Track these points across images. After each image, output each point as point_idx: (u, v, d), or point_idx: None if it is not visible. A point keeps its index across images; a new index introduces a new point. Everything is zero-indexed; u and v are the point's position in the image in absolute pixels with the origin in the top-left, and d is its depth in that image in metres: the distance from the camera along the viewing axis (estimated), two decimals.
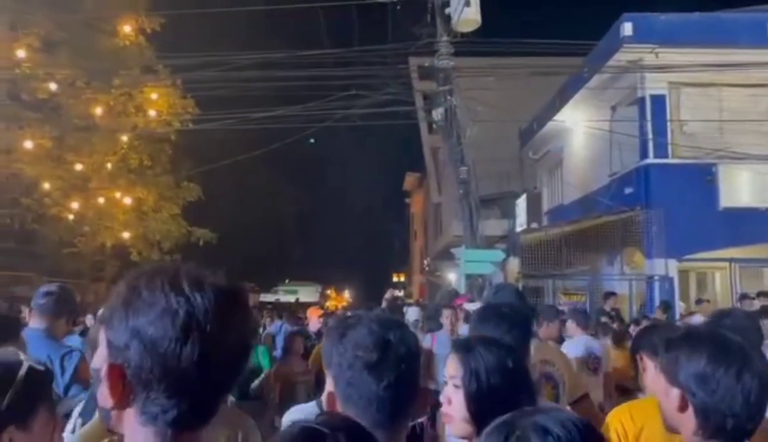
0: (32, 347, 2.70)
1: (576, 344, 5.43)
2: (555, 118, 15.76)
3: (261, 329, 9.63)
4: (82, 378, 2.98)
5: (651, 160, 12.37)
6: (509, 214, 17.98)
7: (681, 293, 12.15)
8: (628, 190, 12.90)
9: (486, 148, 13.50)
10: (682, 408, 1.53)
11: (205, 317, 0.91)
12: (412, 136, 29.41)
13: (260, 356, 6.66)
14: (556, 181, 18.08)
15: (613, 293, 10.98)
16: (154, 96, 16.47)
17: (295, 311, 14.02)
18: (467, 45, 12.52)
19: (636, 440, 2.34)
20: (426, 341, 7.47)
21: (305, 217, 47.11)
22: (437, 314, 7.56)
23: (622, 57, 12.36)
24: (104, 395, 0.93)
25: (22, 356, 1.42)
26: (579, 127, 15.15)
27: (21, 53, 14.45)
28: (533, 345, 3.01)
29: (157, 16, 16.25)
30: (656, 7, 12.91)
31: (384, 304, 8.55)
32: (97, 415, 1.88)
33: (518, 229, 15.93)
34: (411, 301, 22.35)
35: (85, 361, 2.92)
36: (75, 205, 15.84)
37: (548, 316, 5.09)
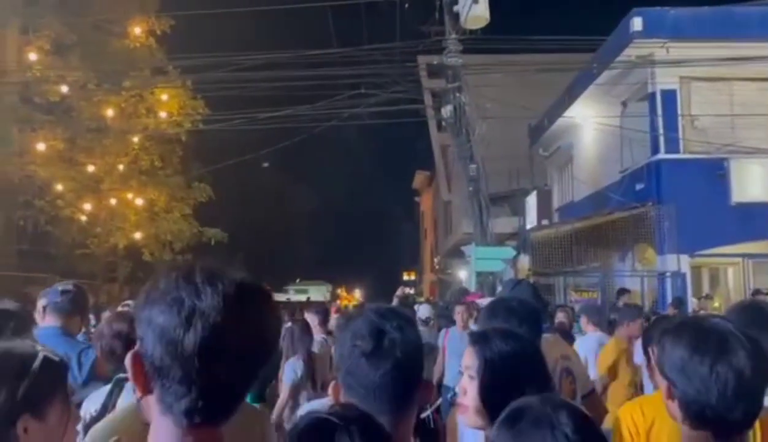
0: (49, 345, 2.73)
1: (589, 340, 5.42)
2: (565, 114, 15.69)
3: None
4: (99, 373, 3.02)
5: (662, 155, 12.30)
6: (519, 211, 17.93)
7: (693, 289, 12.07)
8: (639, 186, 12.83)
9: (495, 145, 13.47)
10: (670, 397, 1.54)
11: (212, 308, 0.93)
12: (421, 134, 29.42)
13: None
14: (567, 177, 18.00)
15: (627, 290, 10.93)
16: (164, 97, 16.59)
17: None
18: (475, 42, 12.52)
19: (647, 435, 2.34)
20: (440, 338, 7.50)
21: (315, 217, 47.23)
22: (448, 311, 7.58)
23: (631, 52, 12.29)
24: (132, 382, 0.98)
25: (38, 347, 1.45)
26: (589, 123, 15.08)
27: (32, 56, 14.62)
28: (550, 341, 3.01)
29: (167, 17, 16.35)
30: (666, 2, 12.79)
31: (395, 301, 8.56)
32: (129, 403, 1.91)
33: (529, 226, 15.88)
34: (422, 299, 22.35)
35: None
36: (87, 206, 15.98)
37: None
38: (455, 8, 11.96)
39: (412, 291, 30.08)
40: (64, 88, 14.95)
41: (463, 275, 22.17)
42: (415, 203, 44.35)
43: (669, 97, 12.40)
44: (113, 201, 16.49)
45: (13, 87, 14.59)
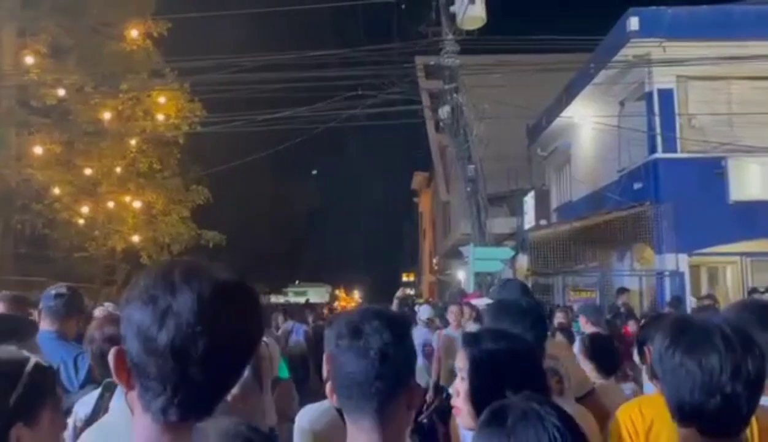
0: (45, 349, 2.72)
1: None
2: (562, 114, 15.71)
3: (275, 331, 9.56)
4: (96, 377, 3.01)
5: (660, 154, 12.31)
6: (517, 211, 17.94)
7: (692, 288, 12.06)
8: (637, 186, 12.84)
9: (493, 145, 13.49)
10: (661, 392, 1.53)
11: (186, 308, 0.94)
12: (419, 135, 29.41)
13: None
14: (565, 177, 18.01)
15: (626, 289, 10.95)
16: (161, 100, 16.56)
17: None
18: (473, 42, 12.55)
19: (646, 436, 2.32)
20: (434, 338, 7.49)
21: (314, 219, 47.21)
22: (445, 312, 7.57)
23: (628, 52, 12.30)
24: (115, 378, 1.00)
25: (27, 354, 1.44)
26: (587, 123, 15.09)
27: (29, 59, 14.58)
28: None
29: (164, 20, 16.33)
30: (663, 1, 12.81)
31: (395, 302, 8.57)
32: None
33: (527, 226, 15.89)
34: (421, 300, 22.35)
35: None
36: (85, 209, 15.94)
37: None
38: (452, 9, 12.00)
39: (412, 292, 30.10)
40: (61, 92, 14.91)
41: (461, 275, 22.17)
42: (413, 204, 44.39)
43: (666, 96, 12.41)
44: (111, 204, 16.45)
45: (10, 91, 14.55)
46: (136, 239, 16.93)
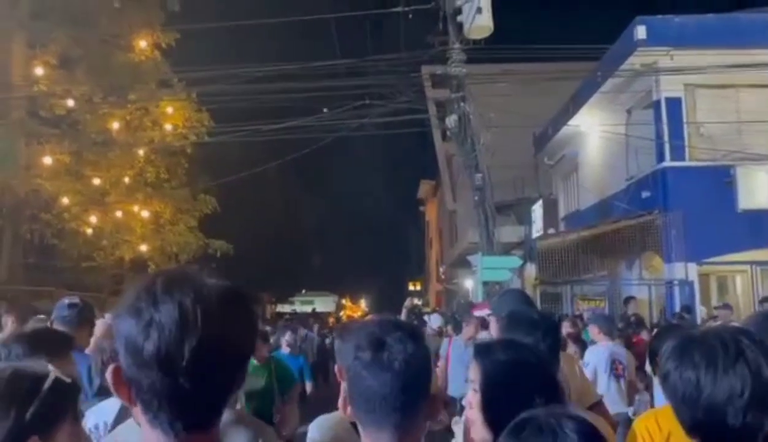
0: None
1: (600, 350, 5.36)
2: (569, 123, 15.70)
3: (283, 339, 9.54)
4: (108, 387, 3.00)
5: (668, 163, 12.27)
6: (525, 220, 17.90)
7: (701, 297, 12.00)
8: (645, 194, 12.79)
9: (500, 154, 13.48)
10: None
11: (169, 319, 0.93)
12: (426, 144, 29.47)
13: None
14: (572, 186, 17.97)
15: (633, 298, 10.89)
16: (169, 110, 16.65)
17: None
18: (479, 52, 12.55)
19: None
20: (442, 346, 7.46)
21: (321, 228, 47.27)
22: (457, 321, 7.55)
23: (636, 60, 12.30)
24: (116, 396, 1.00)
25: (49, 368, 1.44)
26: (594, 131, 15.07)
27: (39, 70, 14.70)
28: None
29: (172, 31, 16.43)
30: (670, 10, 12.82)
31: (404, 312, 8.54)
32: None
33: (535, 235, 15.84)
34: (428, 309, 22.29)
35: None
36: (93, 219, 16.00)
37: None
38: (459, 18, 12.01)
39: (419, 302, 30.01)
40: (71, 102, 15.01)
41: (469, 284, 22.10)
42: (419, 213, 44.36)
43: (674, 104, 12.39)
44: (119, 214, 16.51)
45: (20, 101, 14.65)
46: (144, 248, 16.98)
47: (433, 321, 8.23)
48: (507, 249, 13.59)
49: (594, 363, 5.03)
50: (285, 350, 7.13)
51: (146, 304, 0.95)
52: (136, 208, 16.68)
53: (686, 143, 12.28)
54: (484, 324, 7.96)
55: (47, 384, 1.38)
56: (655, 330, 7.77)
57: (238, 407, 3.96)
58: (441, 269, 33.34)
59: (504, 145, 13.71)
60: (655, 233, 12.22)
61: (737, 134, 12.28)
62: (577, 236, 13.49)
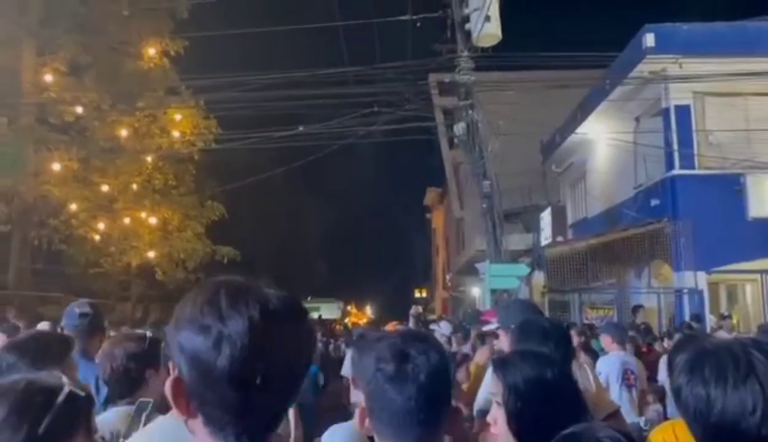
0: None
1: (612, 359, 5.31)
2: (577, 130, 15.66)
3: None
4: (116, 396, 2.98)
5: (677, 171, 12.21)
6: (532, 228, 17.85)
7: (711, 306, 11.91)
8: (654, 202, 12.73)
9: (508, 161, 13.46)
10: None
11: (238, 333, 0.93)
12: (432, 151, 29.46)
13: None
14: (580, 194, 17.93)
15: (641, 306, 10.83)
16: (177, 117, 16.72)
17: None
18: (487, 59, 12.55)
19: None
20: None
21: (327, 234, 47.32)
22: (466, 330, 7.51)
23: (644, 68, 12.26)
24: (174, 408, 0.99)
25: (64, 380, 1.42)
26: (602, 139, 15.03)
27: (48, 77, 14.81)
28: None
29: (181, 38, 16.53)
30: (678, 17, 12.79)
31: (412, 320, 8.52)
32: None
33: (543, 242, 15.79)
34: (434, 317, 22.21)
35: None
36: (101, 225, 16.08)
37: None
38: (467, 26, 12.02)
39: (420, 310, 29.93)
40: (79, 109, 15.11)
41: (476, 292, 22.05)
42: (426, 220, 44.33)
43: (683, 112, 12.34)
44: (127, 220, 16.57)
45: (29, 108, 14.75)
46: (151, 254, 17.03)
47: (444, 328, 8.17)
48: (514, 257, 13.54)
49: (606, 373, 4.99)
50: None
51: (212, 319, 0.94)
52: (143, 214, 16.74)
53: (695, 151, 12.22)
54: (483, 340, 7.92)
55: (61, 397, 1.36)
56: (665, 339, 7.74)
57: None
58: (447, 277, 33.28)
59: (512, 153, 13.69)
60: (664, 241, 12.16)
61: (746, 142, 12.22)
62: (586, 243, 13.43)
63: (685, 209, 11.89)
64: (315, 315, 30.47)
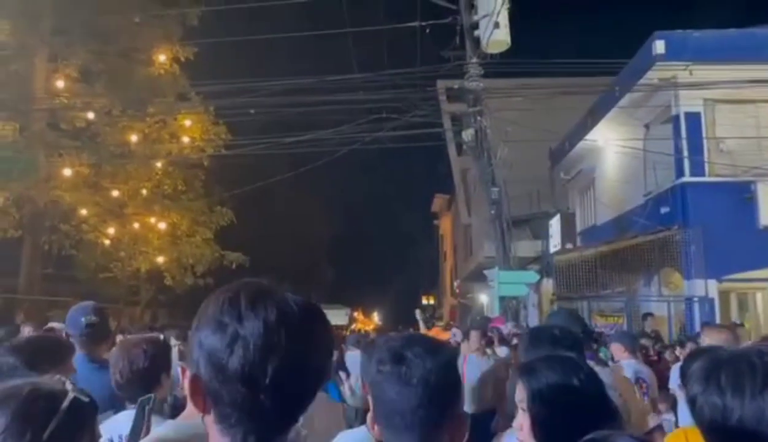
0: (78, 372, 2.71)
1: (623, 368, 5.27)
2: (586, 137, 15.61)
3: None
4: (122, 399, 2.98)
5: (687, 178, 12.14)
6: (541, 235, 17.78)
7: (722, 315, 11.81)
8: (664, 210, 12.66)
9: (516, 168, 13.43)
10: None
11: (253, 334, 0.94)
12: (440, 157, 29.44)
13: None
14: (589, 201, 17.85)
15: (651, 314, 10.75)
16: (187, 123, 16.82)
17: None
18: (496, 66, 12.56)
19: None
20: (458, 362, 7.39)
21: (334, 240, 47.33)
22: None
23: (654, 75, 12.22)
24: (191, 404, 1.02)
25: (68, 386, 1.41)
26: (611, 146, 14.97)
27: (60, 84, 14.95)
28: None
29: (191, 45, 16.63)
30: (688, 24, 12.74)
31: (421, 324, 8.50)
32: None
33: (552, 249, 15.72)
34: (442, 323, 22.12)
35: None
36: (111, 230, 16.17)
37: None
38: (476, 33, 12.03)
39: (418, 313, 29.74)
40: (90, 115, 15.23)
41: (484, 299, 21.98)
42: (433, 226, 44.26)
43: (693, 119, 12.28)
44: (136, 225, 16.66)
45: (41, 114, 14.88)
46: (160, 259, 17.09)
47: (458, 335, 8.16)
48: (523, 264, 13.50)
49: None
50: None
51: (230, 318, 0.96)
52: (153, 219, 16.82)
53: (706, 159, 12.15)
54: (502, 339, 7.89)
55: (65, 403, 1.34)
56: (676, 347, 7.67)
57: None
58: (455, 283, 33.17)
59: (520, 160, 13.66)
60: (674, 248, 12.08)
61: (757, 150, 12.14)
62: (595, 251, 13.36)
63: (695, 217, 11.82)
64: None
